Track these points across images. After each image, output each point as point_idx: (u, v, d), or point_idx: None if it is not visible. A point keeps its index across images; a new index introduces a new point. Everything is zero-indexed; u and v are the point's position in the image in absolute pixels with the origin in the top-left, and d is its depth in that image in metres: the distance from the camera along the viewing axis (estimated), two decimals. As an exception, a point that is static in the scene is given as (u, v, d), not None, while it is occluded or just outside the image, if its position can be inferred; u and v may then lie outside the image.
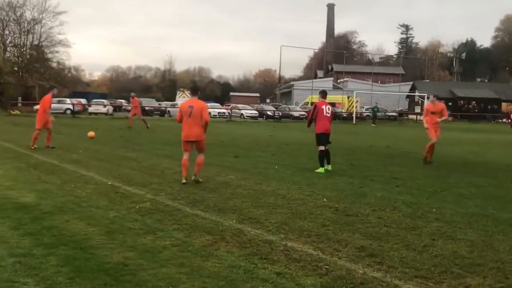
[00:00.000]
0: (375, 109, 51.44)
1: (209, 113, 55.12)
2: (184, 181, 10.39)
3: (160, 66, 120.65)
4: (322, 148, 12.85)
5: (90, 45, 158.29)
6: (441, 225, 7.36)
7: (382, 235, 6.72)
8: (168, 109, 57.43)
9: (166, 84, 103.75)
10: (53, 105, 18.40)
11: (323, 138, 12.90)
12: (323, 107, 12.99)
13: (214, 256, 5.67)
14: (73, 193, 9.09)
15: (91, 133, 19.53)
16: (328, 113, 13.00)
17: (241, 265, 5.38)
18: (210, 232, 6.66)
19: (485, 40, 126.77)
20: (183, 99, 67.92)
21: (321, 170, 12.70)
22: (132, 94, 33.08)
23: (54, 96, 17.10)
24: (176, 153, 16.16)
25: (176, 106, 56.45)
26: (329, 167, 12.93)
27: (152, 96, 74.84)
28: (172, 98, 75.89)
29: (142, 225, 6.98)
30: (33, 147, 16.22)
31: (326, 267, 5.37)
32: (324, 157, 12.90)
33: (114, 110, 56.43)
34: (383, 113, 61.82)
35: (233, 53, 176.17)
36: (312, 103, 63.84)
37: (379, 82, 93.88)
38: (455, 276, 5.19)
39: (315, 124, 13.02)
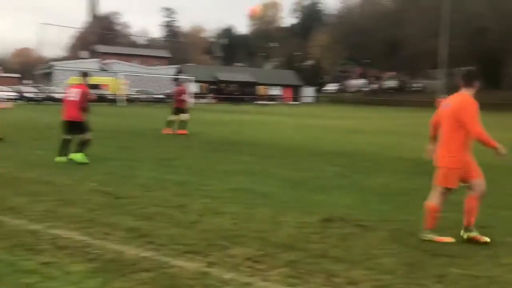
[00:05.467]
0: None
1: None
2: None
3: None
4: (65, 136, 11.48)
5: None
6: (207, 201, 7.74)
7: (152, 215, 6.81)
8: None
9: None
10: None
11: (64, 127, 11.53)
12: (69, 90, 11.69)
13: (-32, 252, 5.14)
14: None
15: None
16: (71, 97, 11.32)
17: (2, 258, 4.97)
18: (-38, 227, 6.00)
19: (243, 27, 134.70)
20: None
21: (59, 159, 11.19)
22: None
23: None
24: None
25: None
26: (73, 157, 11.22)
27: None
28: None
29: None
30: None
31: (96, 251, 5.26)
32: (66, 145, 11.38)
33: None
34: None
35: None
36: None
37: (147, 64, 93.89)
38: (221, 248, 5.52)
39: None
